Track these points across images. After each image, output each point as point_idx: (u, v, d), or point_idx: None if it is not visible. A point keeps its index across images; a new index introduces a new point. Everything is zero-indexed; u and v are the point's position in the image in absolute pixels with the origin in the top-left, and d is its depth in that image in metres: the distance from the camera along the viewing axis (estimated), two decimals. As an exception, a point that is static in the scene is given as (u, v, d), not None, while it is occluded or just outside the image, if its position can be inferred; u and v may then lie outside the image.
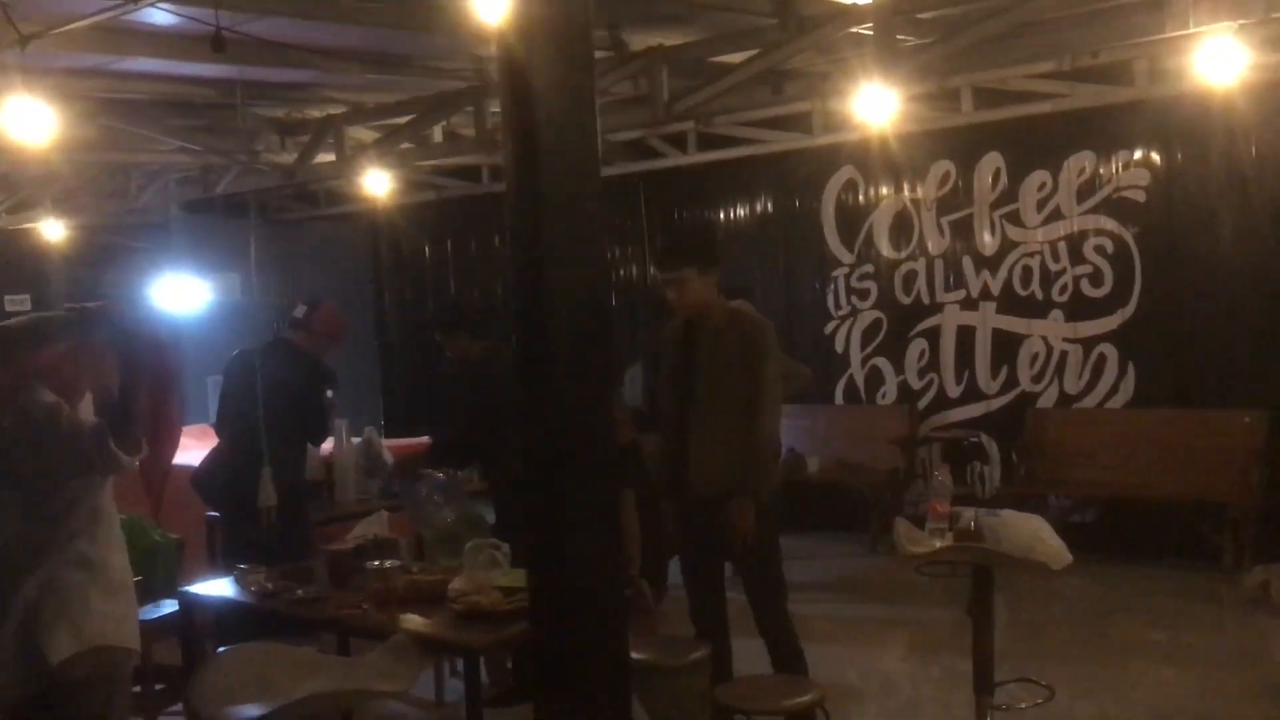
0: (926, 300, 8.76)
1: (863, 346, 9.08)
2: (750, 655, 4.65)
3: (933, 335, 8.76)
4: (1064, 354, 8.18)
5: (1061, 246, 8.15)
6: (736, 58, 6.01)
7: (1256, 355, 7.39)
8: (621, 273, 10.16)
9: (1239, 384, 7.43)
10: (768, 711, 3.89)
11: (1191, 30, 4.68)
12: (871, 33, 5.44)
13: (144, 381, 3.03)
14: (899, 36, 5.75)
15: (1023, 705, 4.27)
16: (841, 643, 6.48)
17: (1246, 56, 5.04)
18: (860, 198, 9.02)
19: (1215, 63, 4.97)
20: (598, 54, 6.26)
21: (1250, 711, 5.14)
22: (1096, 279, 8.02)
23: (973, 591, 4.05)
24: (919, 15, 5.71)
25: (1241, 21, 4.61)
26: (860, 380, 9.12)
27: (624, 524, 3.93)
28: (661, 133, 8.92)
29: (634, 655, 4.12)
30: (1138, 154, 7.82)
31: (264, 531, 4.91)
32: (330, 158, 7.77)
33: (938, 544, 4.06)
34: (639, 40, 6.09)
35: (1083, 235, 8.05)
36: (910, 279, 8.83)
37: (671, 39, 6.06)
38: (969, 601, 4.05)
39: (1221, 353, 7.53)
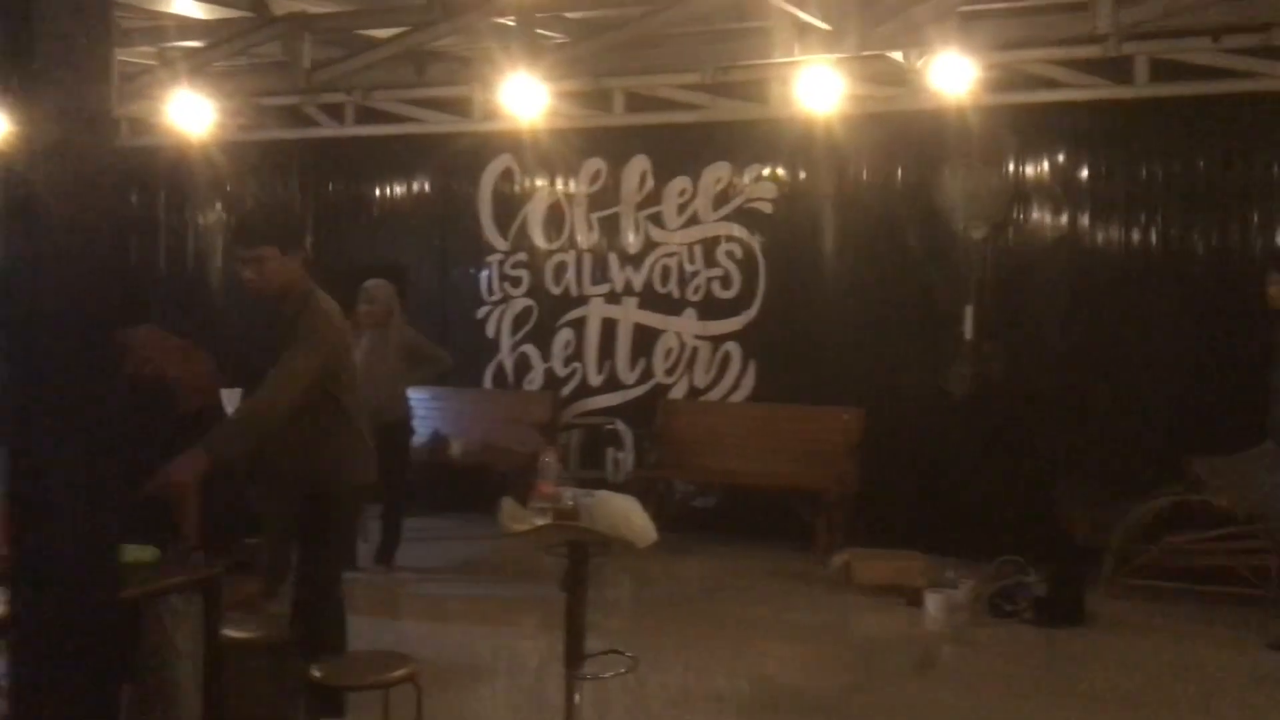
0: (575, 292, 9.08)
1: (513, 333, 9.27)
2: (377, 633, 4.66)
3: (579, 326, 9.09)
4: (695, 350, 8.74)
5: (697, 249, 8.69)
6: (385, 33, 5.97)
7: (855, 359, 8.20)
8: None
9: (840, 384, 8.21)
10: (357, 686, 3.92)
11: (796, 58, 5.13)
12: (515, 24, 5.57)
13: None
14: (546, 33, 5.92)
15: (607, 674, 4.52)
16: (474, 621, 6.61)
17: (844, 86, 5.59)
18: (516, 187, 9.20)
19: (815, 90, 5.49)
20: (240, 13, 6.07)
21: (834, 680, 5.71)
22: (726, 282, 8.62)
23: (568, 567, 4.25)
24: (566, 14, 5.90)
25: (839, 55, 5.10)
26: (509, 365, 9.30)
27: (180, 494, 3.82)
28: (320, 102, 8.69)
29: (228, 634, 4.06)
30: (766, 169, 8.47)
31: None
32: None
33: (539, 522, 4.23)
34: (284, 5, 5.90)
35: (716, 241, 8.63)
36: (560, 270, 9.12)
37: (317, 6, 5.93)
38: (563, 577, 4.24)
39: (827, 355, 8.30)
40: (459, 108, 8.45)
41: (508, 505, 4.35)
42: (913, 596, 6.74)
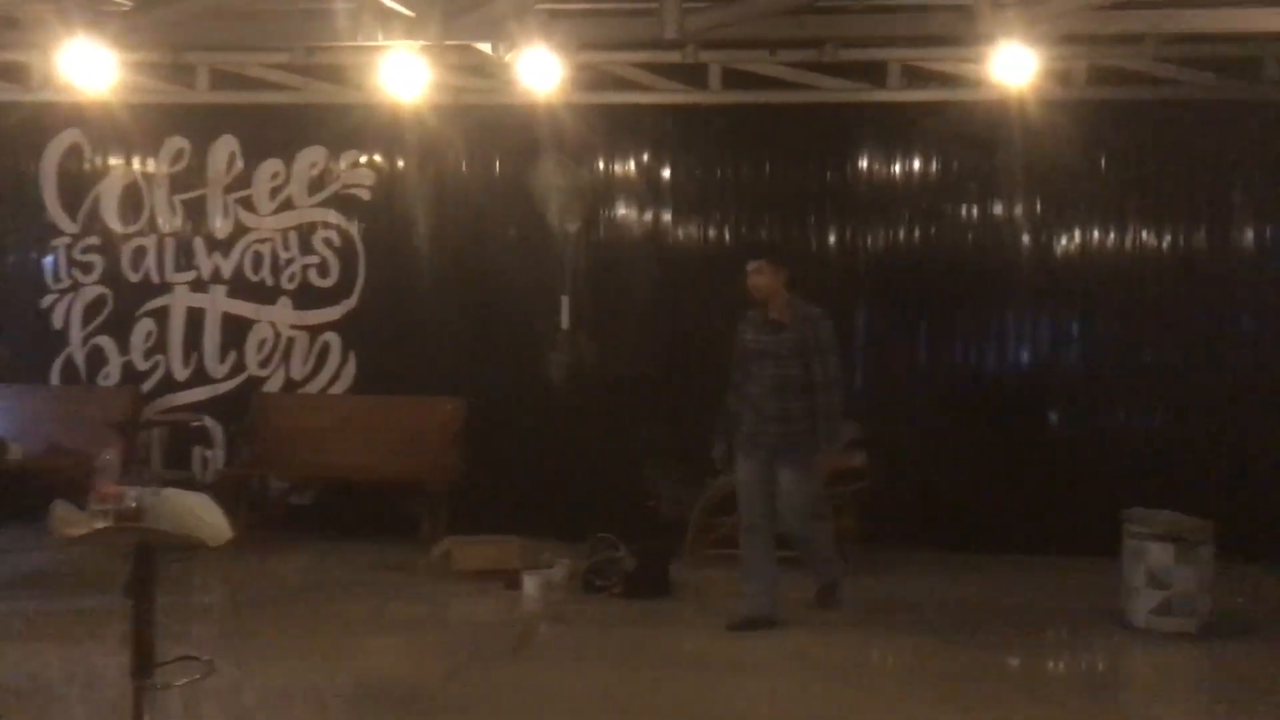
0: (156, 279, 8.55)
1: (84, 324, 8.60)
2: None
3: (161, 315, 8.57)
4: (291, 340, 8.48)
5: (292, 236, 8.44)
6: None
7: (455, 348, 8.30)
8: None
9: (442, 373, 8.26)
10: None
11: (381, 43, 5.09)
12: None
13: None
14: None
15: (180, 681, 4.27)
16: (41, 639, 6.00)
17: (434, 75, 5.60)
18: (86, 165, 8.55)
19: (400, 77, 5.46)
20: None
21: (433, 667, 5.69)
22: (324, 270, 8.43)
23: (132, 570, 3.98)
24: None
25: (422, 42, 5.10)
26: (80, 359, 8.62)
27: None
28: None
29: None
30: (364, 156, 8.35)
31: None
32: None
33: (98, 525, 3.94)
34: None
35: (312, 227, 8.42)
36: (140, 256, 8.55)
37: None
38: (126, 582, 3.97)
39: (429, 345, 8.33)
40: (14, 75, 7.66)
41: (60, 509, 4.03)
42: (512, 579, 6.91)
